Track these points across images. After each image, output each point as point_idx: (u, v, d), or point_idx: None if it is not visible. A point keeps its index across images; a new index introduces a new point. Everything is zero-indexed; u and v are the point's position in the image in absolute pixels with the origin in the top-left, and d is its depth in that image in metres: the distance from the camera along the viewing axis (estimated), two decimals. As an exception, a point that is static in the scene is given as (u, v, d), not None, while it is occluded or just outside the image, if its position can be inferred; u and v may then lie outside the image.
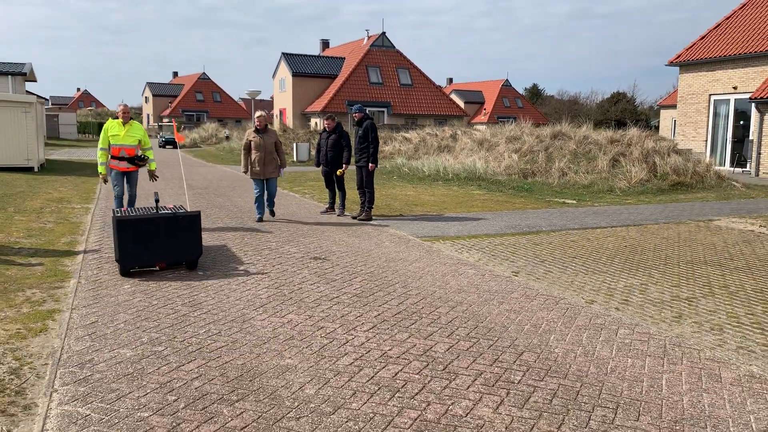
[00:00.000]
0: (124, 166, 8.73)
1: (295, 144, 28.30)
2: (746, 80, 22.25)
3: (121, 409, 3.49)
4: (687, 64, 24.42)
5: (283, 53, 47.72)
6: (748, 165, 21.76)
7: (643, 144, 17.08)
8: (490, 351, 4.49)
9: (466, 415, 3.49)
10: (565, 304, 5.73)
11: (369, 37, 49.14)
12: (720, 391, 3.87)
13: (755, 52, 21.66)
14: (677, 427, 3.38)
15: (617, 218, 11.05)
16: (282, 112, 48.63)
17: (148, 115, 76.58)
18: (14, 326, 4.89)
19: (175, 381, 3.88)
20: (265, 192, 10.28)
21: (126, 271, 6.40)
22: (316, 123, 44.26)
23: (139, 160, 8.81)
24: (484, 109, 67.89)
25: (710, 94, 23.71)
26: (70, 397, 3.67)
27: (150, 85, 76.50)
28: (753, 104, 21.10)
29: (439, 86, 51.12)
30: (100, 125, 58.98)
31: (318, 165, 11.19)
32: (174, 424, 3.33)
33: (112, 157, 8.70)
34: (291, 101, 46.54)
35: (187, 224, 6.52)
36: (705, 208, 12.48)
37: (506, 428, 3.35)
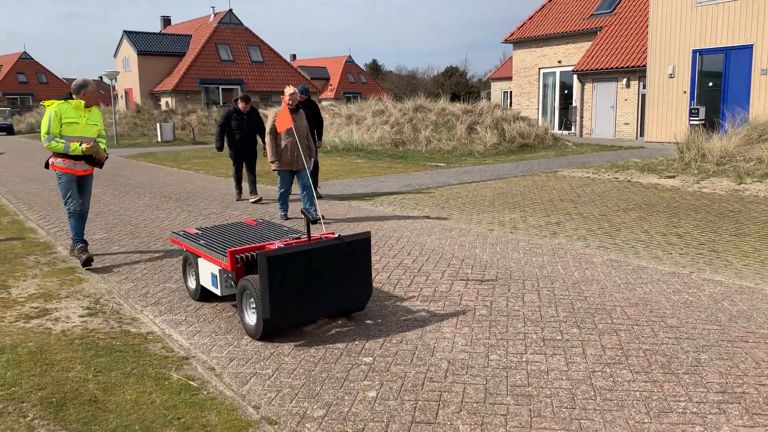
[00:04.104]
0: (80, 168, 6.39)
1: (159, 124, 28.14)
2: (568, 55, 25.98)
3: (202, 309, 4.79)
4: (519, 41, 27.81)
5: (125, 31, 45.79)
6: (572, 127, 25.57)
7: (492, 113, 19.80)
8: (441, 261, 6.26)
9: (435, 288, 5.22)
10: (474, 232, 7.66)
11: (216, 14, 48.56)
12: (594, 268, 5.96)
13: (574, 30, 25.40)
14: (576, 286, 5.37)
15: (485, 174, 13.33)
16: (128, 93, 46.77)
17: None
18: (55, 279, 5.82)
19: (231, 296, 5.20)
20: (299, 188, 8.37)
21: (270, 334, 4.31)
22: (167, 102, 43.31)
23: (93, 161, 6.44)
24: (330, 85, 69.48)
25: (540, 68, 27.30)
26: (157, 312, 4.88)
27: (-41, 66, 68.81)
28: (575, 76, 24.81)
29: (290, 63, 51.93)
30: None
31: (220, 149, 10.32)
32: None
33: (65, 156, 6.26)
34: (138, 81, 44.94)
35: (358, 253, 4.46)
36: (549, 163, 15.24)
37: (478, 295, 5.12)
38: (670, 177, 12.14)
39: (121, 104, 46.09)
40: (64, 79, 75.66)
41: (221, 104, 42.65)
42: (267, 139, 8.17)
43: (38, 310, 4.94)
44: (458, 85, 71.76)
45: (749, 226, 7.76)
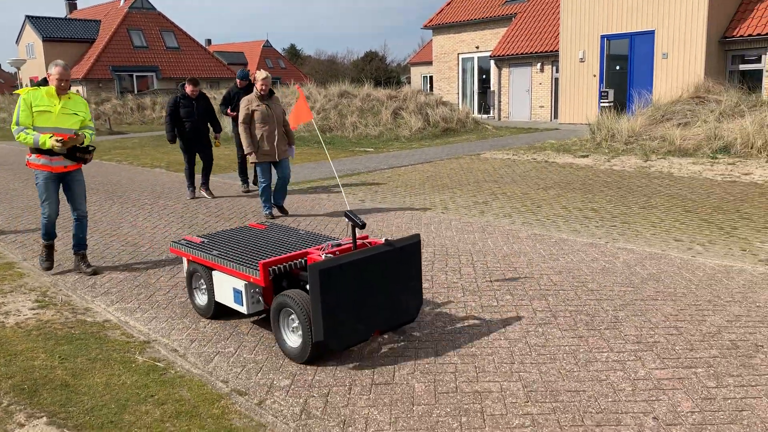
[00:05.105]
0: (59, 164, 5.60)
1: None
2: (485, 41, 26.83)
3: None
4: (438, 27, 28.43)
5: (27, 16, 43.35)
6: (491, 111, 26.49)
7: (416, 99, 20.28)
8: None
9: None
10: (410, 213, 8.05)
11: (126, -1, 46.64)
12: (521, 242, 6.47)
13: (491, 16, 26.24)
14: (506, 259, 5.85)
15: (412, 158, 13.77)
16: (34, 81, 44.34)
17: None
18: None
19: (182, 283, 5.34)
20: (276, 180, 7.98)
21: (317, 357, 3.86)
22: (77, 91, 41.37)
23: (82, 153, 5.68)
24: (249, 70, 68.36)
25: (459, 53, 28.04)
26: (109, 301, 4.98)
27: None
28: (492, 61, 25.68)
29: (207, 49, 50.69)
30: None
31: (173, 140, 9.38)
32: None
33: (38, 151, 5.53)
34: (44, 69, 42.65)
35: (409, 259, 4.04)
36: (472, 146, 15.87)
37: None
38: (584, 156, 12.98)
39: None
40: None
41: (136, 92, 41.21)
42: (240, 129, 7.62)
43: (-15, 306, 4.93)
44: (378, 70, 72.17)
45: (655, 199, 8.53)
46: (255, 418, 3.22)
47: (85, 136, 5.62)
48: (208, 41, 77.45)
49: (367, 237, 4.21)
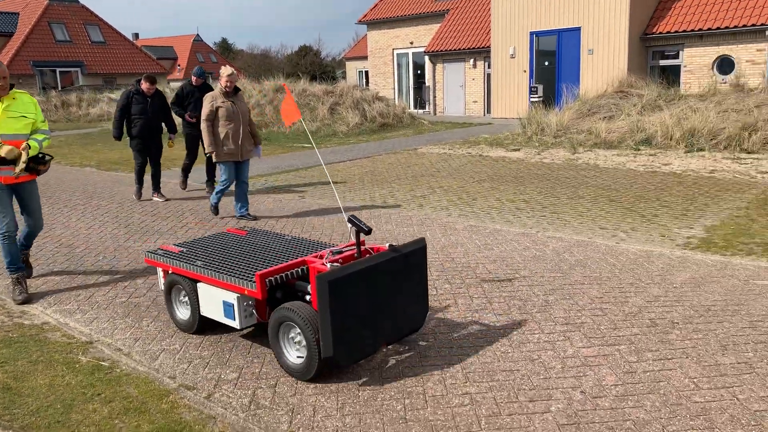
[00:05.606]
0: (6, 174, 4.98)
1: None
2: (419, 36, 27.18)
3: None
4: (373, 22, 28.60)
5: (-63, 7, 40.84)
6: (427, 106, 26.89)
7: (353, 94, 20.39)
8: (323, 237, 6.71)
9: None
10: (351, 208, 8.18)
11: (46, -9, 44.62)
12: (458, 233, 6.72)
13: (424, 12, 26.61)
14: (444, 250, 6.07)
15: (350, 154, 13.90)
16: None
17: None
18: None
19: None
20: (235, 183, 7.65)
21: (322, 373, 3.64)
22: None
23: (35, 163, 5.08)
24: (179, 65, 66.76)
25: (393, 49, 28.30)
26: (46, 304, 4.90)
27: None
28: (426, 56, 26.06)
29: (134, 43, 49.16)
30: None
31: (118, 137, 9.02)
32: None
33: None
34: (-42, 64, 40.36)
35: (415, 264, 3.88)
36: (409, 141, 16.13)
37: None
38: (516, 150, 13.44)
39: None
40: None
41: (60, 88, 39.58)
42: (203, 126, 7.27)
43: None
44: (313, 65, 71.76)
45: (583, 190, 8.97)
46: (204, 411, 3.29)
47: (29, 147, 4.94)
48: (136, 35, 75.00)
49: (364, 242, 3.90)
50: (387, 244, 3.80)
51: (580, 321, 4.28)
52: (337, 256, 3.78)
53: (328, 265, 3.60)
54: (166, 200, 9.13)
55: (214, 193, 7.75)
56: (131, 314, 4.68)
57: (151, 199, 9.20)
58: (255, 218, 7.74)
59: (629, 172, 10.31)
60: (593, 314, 4.38)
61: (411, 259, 3.78)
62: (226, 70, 7.29)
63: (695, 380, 3.42)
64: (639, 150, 12.38)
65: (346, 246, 3.98)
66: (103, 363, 3.87)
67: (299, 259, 3.98)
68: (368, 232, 3.63)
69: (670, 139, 12.49)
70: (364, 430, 3.07)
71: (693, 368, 3.55)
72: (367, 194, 9.14)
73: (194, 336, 4.24)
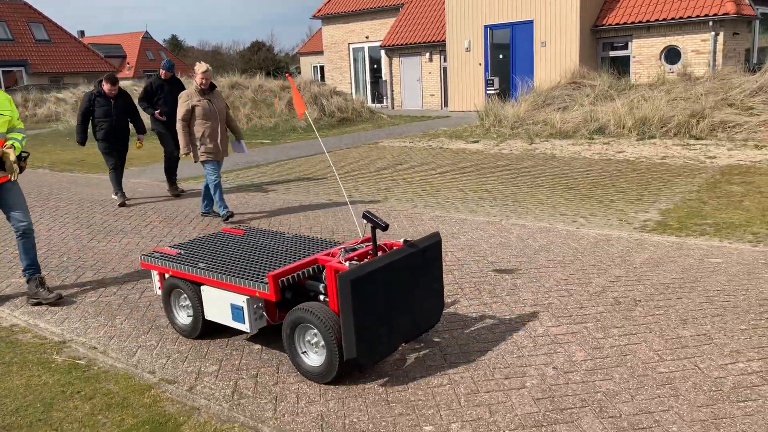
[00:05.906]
0: None
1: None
2: (375, 30, 27.25)
3: (72, 301, 4.84)
4: (328, 17, 28.53)
5: None
6: (384, 100, 27.00)
7: (310, 89, 20.33)
8: (291, 231, 6.75)
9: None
10: (315, 203, 8.23)
11: (-14, -12, 43.02)
12: (425, 224, 6.85)
13: (379, 6, 26.68)
14: (415, 236, 6.17)
15: (312, 149, 13.89)
16: None
17: None
18: None
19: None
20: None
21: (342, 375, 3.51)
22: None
23: (3, 166, 4.75)
24: (128, 63, 65.25)
25: (349, 43, 28.30)
26: (13, 306, 4.82)
27: None
28: (382, 51, 26.15)
29: (81, 41, 47.84)
30: None
31: (82, 142, 8.63)
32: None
33: None
34: None
35: (431, 259, 3.78)
36: (369, 135, 16.21)
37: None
38: (475, 142, 13.66)
39: None
40: None
41: (3, 88, 38.23)
42: (178, 126, 6.96)
43: None
44: (266, 61, 70.93)
45: (541, 178, 9.21)
46: (188, 403, 3.32)
47: (14, 148, 4.68)
48: (81, 33, 73.00)
49: (370, 238, 3.76)
50: (402, 240, 3.69)
51: (547, 302, 4.44)
52: (352, 254, 3.68)
53: (347, 263, 3.49)
54: (126, 199, 8.80)
55: (216, 197, 7.27)
56: (103, 313, 4.64)
57: (111, 198, 8.97)
58: (229, 215, 7.28)
59: (585, 160, 10.62)
60: (560, 295, 4.56)
61: (428, 254, 3.70)
62: (201, 67, 6.91)
63: (659, 352, 3.61)
64: (593, 139, 12.74)
65: (358, 242, 3.90)
66: (79, 361, 3.85)
67: (310, 257, 3.85)
68: (385, 228, 3.49)
69: (623, 128, 12.90)
70: (347, 413, 3.16)
71: (656, 342, 3.75)
72: (331, 188, 9.19)
73: (170, 332, 4.24)
